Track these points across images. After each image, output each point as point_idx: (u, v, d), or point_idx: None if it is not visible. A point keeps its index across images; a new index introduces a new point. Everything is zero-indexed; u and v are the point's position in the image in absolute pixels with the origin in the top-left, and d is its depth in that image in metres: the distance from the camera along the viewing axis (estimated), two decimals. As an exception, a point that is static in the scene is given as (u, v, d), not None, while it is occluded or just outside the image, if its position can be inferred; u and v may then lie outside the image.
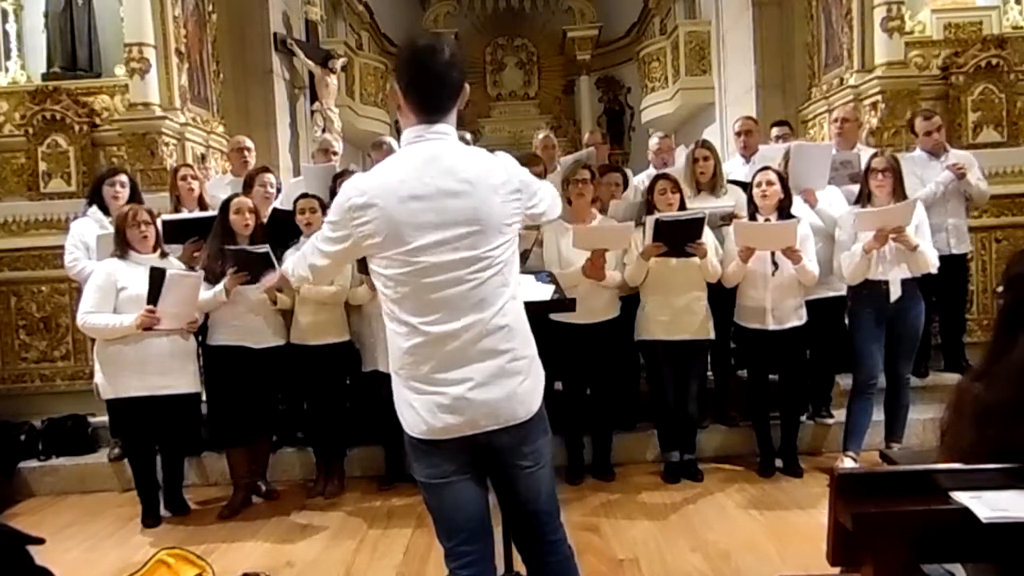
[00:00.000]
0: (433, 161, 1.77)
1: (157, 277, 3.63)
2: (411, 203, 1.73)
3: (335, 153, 5.30)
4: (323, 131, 8.20)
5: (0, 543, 1.33)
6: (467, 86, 1.85)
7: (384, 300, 1.83)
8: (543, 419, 1.88)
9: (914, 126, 4.87)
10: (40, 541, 1.37)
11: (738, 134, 5.11)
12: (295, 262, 2.07)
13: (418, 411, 1.78)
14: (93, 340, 4.18)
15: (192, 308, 3.79)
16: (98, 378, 3.86)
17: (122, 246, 3.80)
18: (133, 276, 3.73)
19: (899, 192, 3.88)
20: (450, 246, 1.74)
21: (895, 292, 3.85)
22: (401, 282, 1.76)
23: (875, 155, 4.06)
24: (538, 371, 1.88)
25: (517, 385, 1.79)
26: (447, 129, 1.82)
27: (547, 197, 2.01)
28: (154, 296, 3.63)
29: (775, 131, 5.28)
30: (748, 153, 5.02)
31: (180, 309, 3.73)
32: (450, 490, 1.84)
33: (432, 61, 1.76)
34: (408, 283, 1.76)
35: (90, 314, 3.71)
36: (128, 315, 3.68)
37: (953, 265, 4.73)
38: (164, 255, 3.92)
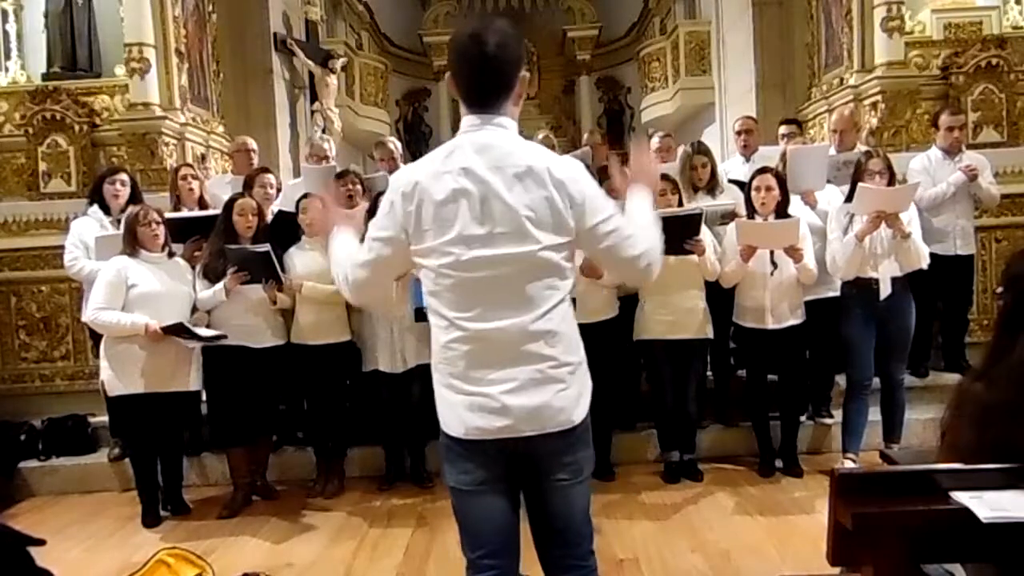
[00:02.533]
0: (484, 151, 1.69)
1: (179, 330, 3.68)
2: (456, 191, 1.67)
3: (326, 157, 5.25)
4: (323, 131, 8.18)
5: (1, 545, 1.32)
6: (525, 74, 1.74)
7: (426, 295, 1.77)
8: (587, 431, 1.79)
9: (938, 120, 4.83)
10: (41, 542, 1.37)
11: (738, 133, 5.11)
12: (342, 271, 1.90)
13: (455, 409, 1.72)
14: (94, 340, 4.20)
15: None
16: (104, 375, 3.87)
17: (132, 244, 3.82)
18: (143, 274, 3.77)
19: None
20: (494, 240, 1.66)
21: (885, 290, 3.81)
22: (442, 275, 1.70)
23: (868, 154, 3.99)
24: (583, 380, 1.79)
25: (557, 392, 1.71)
26: (505, 122, 1.73)
27: (641, 241, 1.76)
28: (171, 331, 3.69)
29: (783, 129, 5.24)
30: (748, 153, 5.02)
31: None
32: (480, 499, 1.77)
33: (476, 49, 1.67)
34: (449, 276, 1.69)
35: (101, 310, 3.71)
36: (139, 315, 3.70)
37: (958, 266, 4.72)
38: (171, 255, 3.94)
